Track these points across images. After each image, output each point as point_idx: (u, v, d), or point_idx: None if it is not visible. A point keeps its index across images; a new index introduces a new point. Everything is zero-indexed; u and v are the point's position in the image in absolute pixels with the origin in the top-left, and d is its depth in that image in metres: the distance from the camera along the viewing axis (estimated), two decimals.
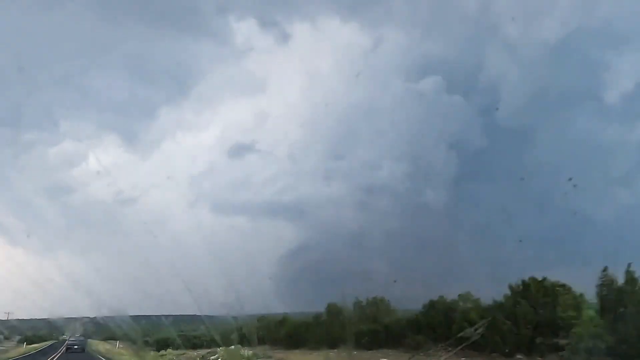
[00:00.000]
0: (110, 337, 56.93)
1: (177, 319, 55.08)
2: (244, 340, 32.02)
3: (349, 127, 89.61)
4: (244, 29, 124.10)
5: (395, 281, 28.18)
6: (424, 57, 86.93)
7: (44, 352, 46.72)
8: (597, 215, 34.52)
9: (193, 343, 44.04)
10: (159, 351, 40.87)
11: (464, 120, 76.56)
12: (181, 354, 36.78)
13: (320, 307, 34.92)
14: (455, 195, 65.87)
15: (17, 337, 62.14)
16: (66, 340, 53.81)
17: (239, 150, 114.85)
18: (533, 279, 21.78)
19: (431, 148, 73.86)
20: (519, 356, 20.24)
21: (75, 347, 45.18)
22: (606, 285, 16.93)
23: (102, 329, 71.16)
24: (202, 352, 35.39)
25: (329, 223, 67.93)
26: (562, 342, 18.83)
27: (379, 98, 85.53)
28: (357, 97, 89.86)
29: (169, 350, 40.55)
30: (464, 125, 75.30)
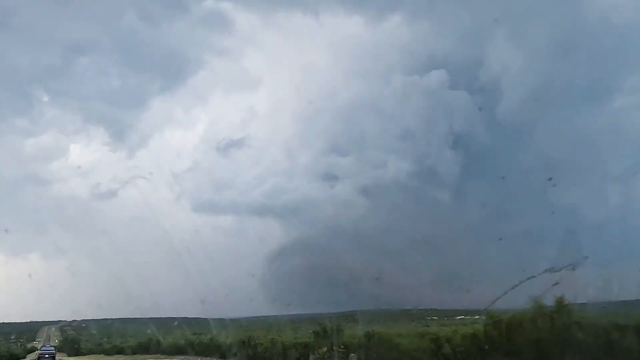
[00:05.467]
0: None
1: (159, 322, 53.47)
2: None
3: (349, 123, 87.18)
4: (243, 21, 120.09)
5: (377, 279, 25.34)
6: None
7: None
8: None
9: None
10: None
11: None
12: None
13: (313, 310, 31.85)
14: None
15: None
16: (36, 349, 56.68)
17: (228, 146, 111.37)
18: None
19: None
20: None
21: (46, 356, 48.09)
22: None
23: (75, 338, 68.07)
24: None
25: (323, 221, 65.09)
26: None
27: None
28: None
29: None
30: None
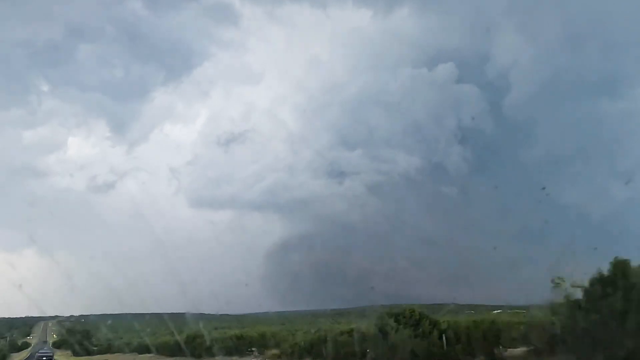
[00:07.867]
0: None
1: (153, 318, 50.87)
2: None
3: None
4: (249, 13, 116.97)
5: (372, 288, 25.59)
6: None
7: None
8: None
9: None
10: None
11: None
12: None
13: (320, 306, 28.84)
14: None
15: None
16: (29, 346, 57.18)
17: (229, 140, 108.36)
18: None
19: None
20: None
21: (44, 358, 48.82)
22: None
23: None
24: None
25: (330, 216, 62.17)
26: None
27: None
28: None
29: None
30: None
